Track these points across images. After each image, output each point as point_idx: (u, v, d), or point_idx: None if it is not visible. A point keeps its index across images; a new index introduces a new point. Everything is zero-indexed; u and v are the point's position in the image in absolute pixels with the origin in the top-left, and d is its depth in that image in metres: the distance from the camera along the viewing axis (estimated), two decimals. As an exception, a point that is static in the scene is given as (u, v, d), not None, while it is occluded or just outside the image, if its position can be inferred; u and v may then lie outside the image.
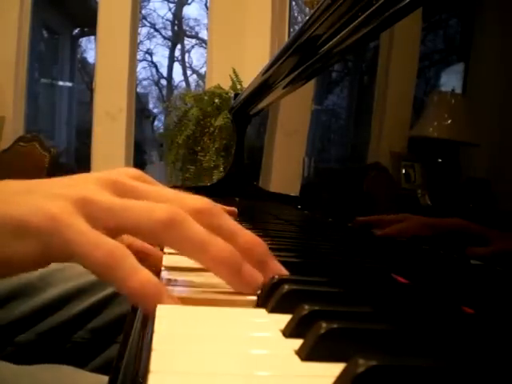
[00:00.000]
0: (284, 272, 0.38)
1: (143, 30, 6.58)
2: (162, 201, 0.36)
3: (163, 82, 7.13)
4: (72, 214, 0.33)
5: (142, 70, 6.73)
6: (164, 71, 7.03)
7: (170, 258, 0.48)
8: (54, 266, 0.77)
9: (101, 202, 0.35)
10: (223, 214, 0.38)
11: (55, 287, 0.74)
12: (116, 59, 3.13)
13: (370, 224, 0.49)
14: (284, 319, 0.30)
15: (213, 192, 1.23)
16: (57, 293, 0.73)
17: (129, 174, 0.39)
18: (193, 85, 6.85)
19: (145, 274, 0.32)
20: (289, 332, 0.28)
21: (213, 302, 0.35)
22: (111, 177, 0.37)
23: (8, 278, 0.39)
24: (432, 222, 0.39)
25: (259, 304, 0.35)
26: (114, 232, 0.35)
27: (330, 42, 0.64)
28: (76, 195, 0.34)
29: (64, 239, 0.33)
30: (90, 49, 6.08)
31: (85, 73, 6.12)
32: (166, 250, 0.52)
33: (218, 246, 0.35)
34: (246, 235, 0.38)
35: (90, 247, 0.32)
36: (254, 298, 0.36)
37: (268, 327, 0.30)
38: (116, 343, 0.72)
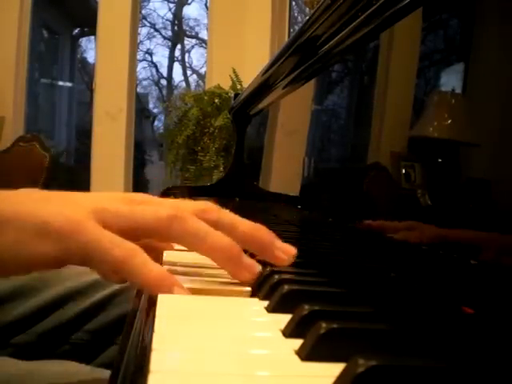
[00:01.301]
0: (291, 250, 0.41)
1: (143, 30, 6.58)
2: (166, 205, 0.41)
3: (163, 81, 7.13)
4: (89, 220, 0.37)
5: (142, 70, 6.73)
6: (164, 71, 7.03)
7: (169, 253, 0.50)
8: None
9: (113, 209, 0.39)
10: (222, 210, 0.41)
11: (53, 288, 0.74)
12: (116, 59, 3.13)
13: (376, 228, 0.49)
14: (284, 319, 0.30)
15: (213, 192, 1.23)
16: (55, 294, 0.73)
17: (139, 195, 0.43)
18: (193, 85, 6.85)
19: (158, 267, 0.36)
20: (289, 332, 0.28)
21: (207, 292, 0.38)
22: (120, 194, 0.42)
23: (20, 275, 0.41)
24: (444, 234, 0.39)
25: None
26: (127, 234, 0.38)
27: (330, 42, 0.64)
28: (92, 204, 0.39)
29: (83, 241, 0.36)
30: (90, 49, 6.08)
31: (85, 73, 6.12)
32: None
33: (217, 236, 0.38)
34: (245, 224, 0.41)
35: (107, 246, 0.36)
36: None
37: (268, 327, 0.30)
38: (115, 344, 0.72)
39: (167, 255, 0.50)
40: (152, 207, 0.40)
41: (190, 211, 0.40)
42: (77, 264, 0.38)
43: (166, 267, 0.39)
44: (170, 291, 0.35)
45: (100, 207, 0.39)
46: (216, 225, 0.39)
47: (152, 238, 0.42)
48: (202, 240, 0.38)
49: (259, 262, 0.41)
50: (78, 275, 0.77)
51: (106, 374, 0.60)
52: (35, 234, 0.36)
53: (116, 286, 0.77)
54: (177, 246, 0.49)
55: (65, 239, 0.36)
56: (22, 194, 0.41)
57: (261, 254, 0.42)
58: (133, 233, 0.39)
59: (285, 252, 0.41)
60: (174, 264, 0.46)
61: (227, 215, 0.41)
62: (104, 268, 0.39)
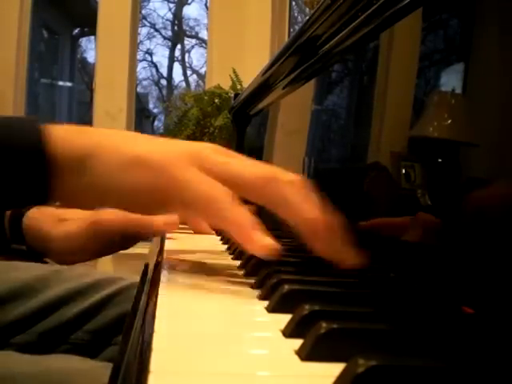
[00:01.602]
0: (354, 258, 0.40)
1: (143, 30, 6.57)
2: (259, 166, 0.41)
3: (163, 81, 7.12)
4: (185, 162, 0.38)
5: (142, 70, 6.72)
6: (164, 71, 7.03)
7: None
8: (51, 267, 0.78)
9: (210, 156, 0.40)
10: (309, 188, 0.41)
11: (53, 288, 0.74)
12: (116, 59, 3.12)
13: (377, 227, 0.49)
14: (284, 319, 0.30)
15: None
16: (55, 294, 0.73)
17: (224, 149, 0.43)
18: (193, 85, 6.85)
19: (242, 208, 0.37)
20: (289, 332, 0.28)
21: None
22: (214, 145, 0.42)
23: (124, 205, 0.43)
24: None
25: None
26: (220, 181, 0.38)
27: (330, 42, 0.64)
28: (191, 150, 0.40)
29: (175, 177, 0.38)
30: (90, 49, 6.07)
31: (85, 73, 6.11)
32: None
33: (311, 210, 0.38)
34: (327, 213, 0.40)
35: (201, 186, 0.37)
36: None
37: (268, 327, 0.30)
38: (114, 344, 0.72)
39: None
40: (249, 163, 0.40)
41: (284, 181, 0.39)
42: (169, 201, 0.39)
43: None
44: (252, 241, 0.36)
45: (195, 151, 0.39)
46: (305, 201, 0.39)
47: (238, 194, 0.40)
48: (292, 207, 0.38)
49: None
50: (78, 276, 0.78)
51: (108, 369, 0.60)
52: (129, 165, 0.38)
53: (116, 286, 0.77)
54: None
55: (159, 175, 0.37)
56: (114, 131, 0.42)
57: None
58: (224, 184, 0.39)
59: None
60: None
61: (315, 196, 0.40)
62: (193, 204, 0.38)
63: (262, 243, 0.37)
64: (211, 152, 0.40)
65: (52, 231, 0.57)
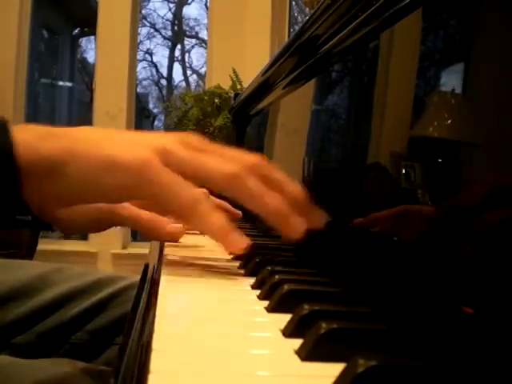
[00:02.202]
0: (321, 216, 0.45)
1: (143, 30, 6.57)
2: (226, 158, 0.43)
3: (163, 81, 7.12)
4: (155, 159, 0.39)
5: (142, 70, 6.72)
6: (164, 71, 7.03)
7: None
8: (51, 266, 0.78)
9: (179, 152, 0.41)
10: (273, 168, 0.45)
11: (53, 288, 0.74)
12: (116, 59, 3.12)
13: (370, 223, 0.49)
14: (284, 319, 0.30)
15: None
16: (55, 294, 0.73)
17: (194, 138, 0.45)
18: (193, 85, 6.84)
19: (219, 218, 0.40)
20: (289, 332, 0.28)
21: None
22: (183, 136, 0.44)
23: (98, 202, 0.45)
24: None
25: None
26: (186, 179, 0.40)
27: (330, 42, 0.64)
28: (158, 144, 0.40)
29: (151, 178, 0.39)
30: (90, 49, 6.07)
31: (85, 73, 6.11)
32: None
33: (271, 197, 0.41)
34: (291, 186, 0.44)
35: (175, 188, 0.39)
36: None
37: (268, 327, 0.30)
38: (115, 344, 0.72)
39: None
40: (218, 160, 0.42)
41: (247, 163, 0.42)
42: (143, 199, 0.42)
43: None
44: (230, 243, 0.40)
45: (168, 149, 0.40)
46: (265, 180, 0.42)
47: (206, 188, 0.44)
48: (256, 200, 0.41)
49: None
50: (79, 275, 0.77)
51: (106, 372, 0.60)
52: (105, 171, 0.39)
53: (116, 287, 0.77)
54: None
55: (133, 174, 0.39)
56: (82, 131, 0.42)
57: (299, 213, 0.43)
58: (191, 179, 0.41)
59: (317, 217, 0.45)
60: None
61: (276, 174, 0.44)
62: (168, 208, 0.42)
63: (236, 245, 0.41)
64: (179, 147, 0.41)
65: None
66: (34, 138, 0.40)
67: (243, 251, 0.42)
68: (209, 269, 0.48)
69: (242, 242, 0.41)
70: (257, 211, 0.42)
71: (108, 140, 0.41)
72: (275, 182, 0.43)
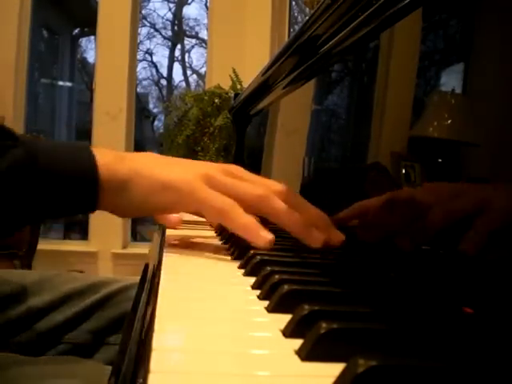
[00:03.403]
0: (341, 237, 0.51)
1: (143, 30, 6.56)
2: (258, 184, 0.53)
3: (163, 81, 7.12)
4: (202, 183, 0.51)
5: (142, 70, 6.71)
6: (164, 71, 7.02)
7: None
8: (51, 272, 0.79)
9: (220, 178, 0.52)
10: (297, 195, 0.55)
11: (53, 289, 0.75)
12: (116, 59, 3.12)
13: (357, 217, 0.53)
14: (284, 319, 0.30)
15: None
16: (54, 294, 0.74)
17: (234, 167, 0.56)
18: (193, 85, 6.84)
19: (248, 218, 0.49)
20: (289, 332, 0.28)
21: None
22: (224, 166, 0.55)
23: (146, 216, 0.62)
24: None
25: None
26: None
27: (330, 42, 0.64)
28: (203, 171, 0.52)
29: (196, 197, 0.51)
30: (90, 49, 6.07)
31: (85, 73, 6.11)
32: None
33: (295, 216, 0.50)
34: (313, 209, 0.53)
35: (211, 198, 0.50)
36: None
37: (268, 327, 0.30)
38: (113, 344, 0.72)
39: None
40: (249, 185, 0.52)
41: (275, 190, 0.52)
42: (190, 211, 0.56)
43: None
44: (257, 235, 0.48)
45: (210, 175, 0.52)
46: (291, 204, 0.51)
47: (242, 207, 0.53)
48: (281, 217, 0.50)
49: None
50: (76, 279, 0.78)
51: (103, 367, 0.60)
52: (161, 190, 0.51)
53: (112, 288, 0.77)
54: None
55: (183, 196, 0.51)
56: (148, 157, 0.54)
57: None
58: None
59: (336, 238, 0.51)
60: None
61: (299, 199, 0.54)
62: (209, 215, 0.52)
63: (266, 238, 0.49)
64: (220, 174, 0.53)
65: None
66: (112, 162, 0.51)
67: (270, 245, 0.48)
68: (209, 269, 0.48)
69: (270, 237, 0.48)
70: (282, 226, 0.51)
71: (166, 165, 0.53)
72: (299, 206, 0.52)
